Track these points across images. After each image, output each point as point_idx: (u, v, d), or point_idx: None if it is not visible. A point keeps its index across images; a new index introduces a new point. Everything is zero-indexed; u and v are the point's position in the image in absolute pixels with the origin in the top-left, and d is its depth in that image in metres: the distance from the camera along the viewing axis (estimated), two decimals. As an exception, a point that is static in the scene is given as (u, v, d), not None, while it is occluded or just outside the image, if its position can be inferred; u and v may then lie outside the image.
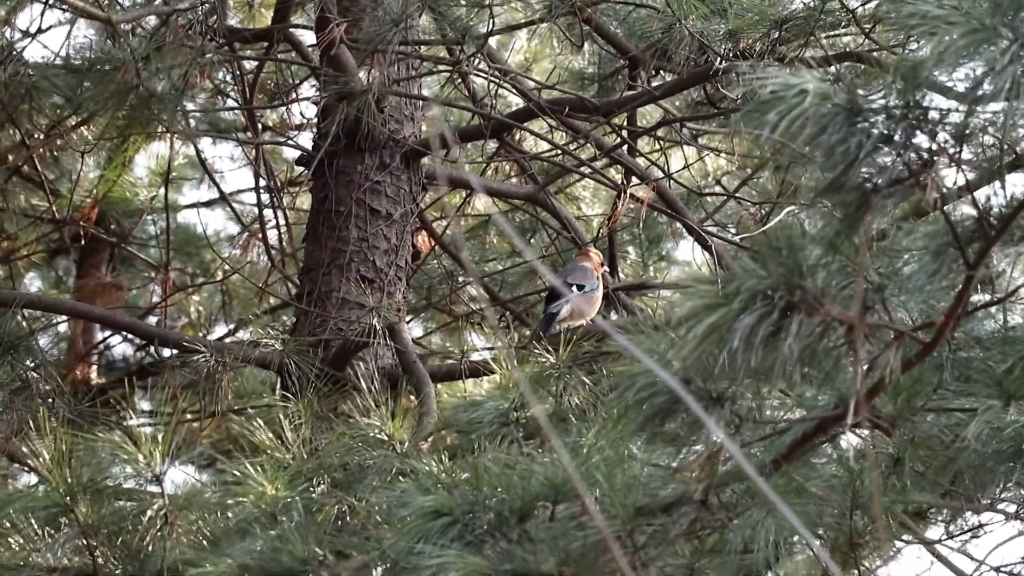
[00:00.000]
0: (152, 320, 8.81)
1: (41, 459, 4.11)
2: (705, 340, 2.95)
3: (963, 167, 2.90)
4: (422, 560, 3.39)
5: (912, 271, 3.12)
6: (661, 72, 7.26)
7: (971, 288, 3.05)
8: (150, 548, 4.18)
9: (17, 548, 4.14)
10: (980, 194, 3.03)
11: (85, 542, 4.19)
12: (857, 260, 2.98)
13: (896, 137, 2.87)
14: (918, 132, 2.89)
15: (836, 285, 3.04)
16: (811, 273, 2.98)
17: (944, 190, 2.91)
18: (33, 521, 4.16)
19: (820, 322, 2.99)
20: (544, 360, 5.22)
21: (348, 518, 4.29)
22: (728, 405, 3.27)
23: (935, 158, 2.88)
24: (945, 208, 2.96)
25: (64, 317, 8.62)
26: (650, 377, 3.23)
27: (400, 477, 4.34)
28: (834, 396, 3.41)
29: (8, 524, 4.12)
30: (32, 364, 6.54)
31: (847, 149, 2.90)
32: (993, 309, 3.57)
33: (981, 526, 5.45)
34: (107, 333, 9.20)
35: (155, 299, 9.55)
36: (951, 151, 2.88)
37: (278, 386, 6.55)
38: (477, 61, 7.39)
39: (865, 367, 3.15)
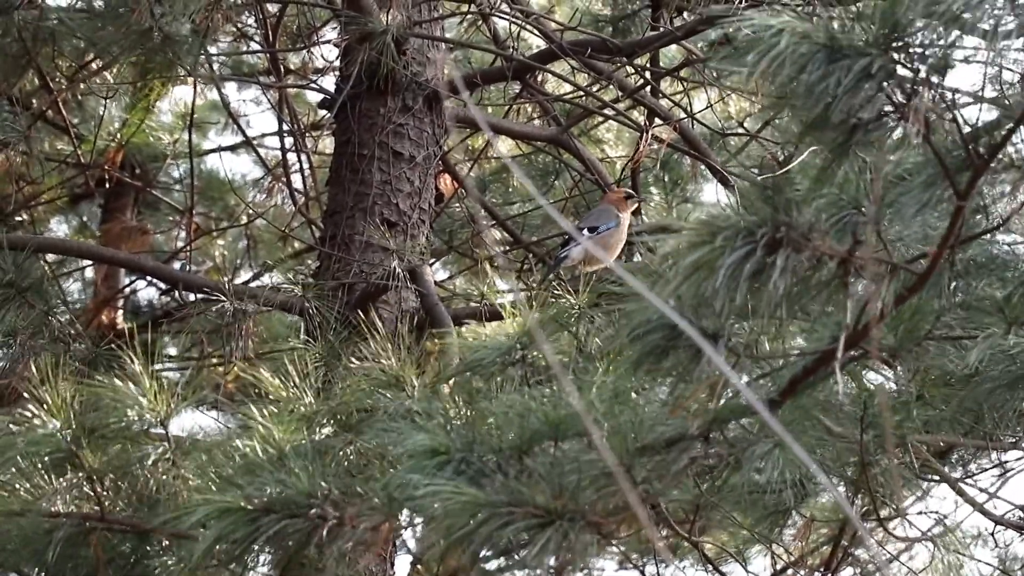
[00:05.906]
0: (177, 265, 8.83)
1: (45, 405, 4.11)
2: (689, 279, 2.93)
3: (946, 98, 2.86)
4: (414, 492, 3.39)
5: (902, 203, 3.10)
6: (683, 12, 7.23)
7: (962, 218, 3.02)
8: (154, 491, 4.19)
9: (24, 493, 4.14)
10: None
11: (90, 488, 4.19)
12: (848, 192, 2.96)
13: (875, 72, 2.85)
14: (899, 66, 2.87)
15: (826, 219, 3.01)
16: (799, 208, 2.95)
17: (930, 122, 2.88)
18: (39, 466, 4.16)
19: (810, 257, 2.97)
20: (564, 301, 5.19)
21: (355, 459, 4.28)
22: (722, 342, 3.26)
23: (919, 90, 2.85)
24: (933, 139, 2.93)
25: (89, 263, 8.67)
26: (645, 315, 3.22)
27: (414, 419, 4.33)
28: (834, 330, 3.39)
29: (13, 470, 4.12)
30: (47, 308, 6.53)
31: (826, 88, 2.88)
32: (990, 236, 3.55)
33: (1003, 463, 5.43)
34: (132, 277, 9.23)
35: (180, 243, 9.59)
36: (933, 83, 2.85)
37: (302, 331, 6.56)
38: (499, 2, 7.37)
39: (861, 301, 3.13)
